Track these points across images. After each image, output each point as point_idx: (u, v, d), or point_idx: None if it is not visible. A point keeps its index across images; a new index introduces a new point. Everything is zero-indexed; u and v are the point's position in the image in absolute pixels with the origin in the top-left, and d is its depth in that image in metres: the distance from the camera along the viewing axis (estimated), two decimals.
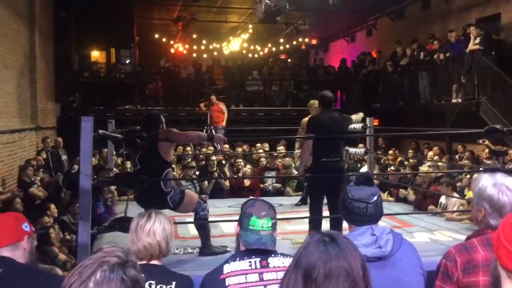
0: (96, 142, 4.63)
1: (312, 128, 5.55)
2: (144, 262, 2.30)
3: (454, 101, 11.36)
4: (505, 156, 8.96)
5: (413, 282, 2.11)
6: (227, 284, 2.13)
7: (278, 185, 9.12)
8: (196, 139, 5.70)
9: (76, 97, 14.41)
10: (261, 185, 9.09)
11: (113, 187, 7.39)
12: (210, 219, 5.46)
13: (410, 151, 11.42)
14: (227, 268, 2.18)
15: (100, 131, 4.50)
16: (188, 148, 11.10)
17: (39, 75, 11.53)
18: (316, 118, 5.79)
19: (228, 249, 4.74)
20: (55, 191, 9.22)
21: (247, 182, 8.96)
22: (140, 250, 2.31)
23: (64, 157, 10.98)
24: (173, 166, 9.12)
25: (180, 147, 10.58)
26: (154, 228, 2.34)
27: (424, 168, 8.90)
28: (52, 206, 7.02)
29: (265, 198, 2.73)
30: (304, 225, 5.99)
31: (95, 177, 4.71)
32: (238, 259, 2.20)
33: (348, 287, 1.27)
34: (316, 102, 7.36)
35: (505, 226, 1.39)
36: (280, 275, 2.17)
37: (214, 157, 9.22)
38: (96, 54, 18.77)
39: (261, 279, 2.15)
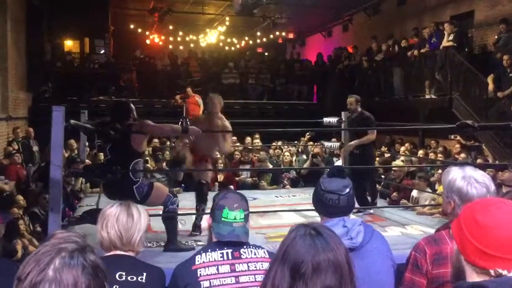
0: (68, 133, 4.54)
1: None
2: (111, 253, 2.26)
3: (427, 97, 11.52)
4: (479, 151, 9.13)
5: (383, 273, 2.14)
6: (198, 275, 2.12)
7: (252, 179, 9.10)
8: (171, 132, 5.59)
9: (48, 87, 14.13)
10: (236, 179, 9.08)
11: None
12: (184, 212, 5.43)
13: (383, 146, 11.53)
14: (199, 259, 2.16)
15: (72, 122, 4.41)
16: (167, 142, 11.04)
17: (10, 64, 11.28)
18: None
19: (201, 243, 4.71)
20: (25, 182, 9.06)
21: (221, 177, 8.91)
22: (103, 240, 2.25)
23: (35, 148, 10.78)
24: (148, 158, 9.05)
25: (157, 140, 10.50)
26: (117, 217, 2.26)
27: (398, 162, 9.01)
28: (21, 197, 6.90)
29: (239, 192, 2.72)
30: (278, 220, 6.02)
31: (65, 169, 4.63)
32: (210, 250, 2.19)
33: (335, 280, 1.27)
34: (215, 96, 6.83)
35: (467, 220, 1.37)
36: (252, 266, 2.17)
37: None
38: (69, 44, 18.43)
39: (233, 270, 2.15)
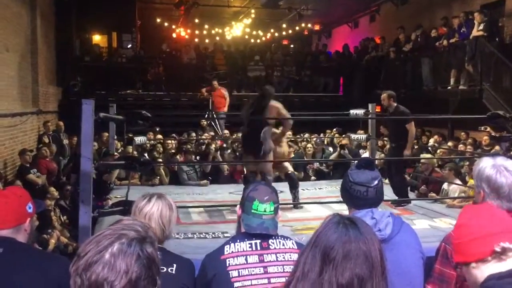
0: (97, 126, 4.61)
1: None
2: None
3: (451, 86, 11.32)
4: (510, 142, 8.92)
5: (412, 266, 2.12)
6: (227, 264, 2.14)
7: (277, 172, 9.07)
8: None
9: (77, 81, 14.37)
10: None
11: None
12: (212, 205, 5.47)
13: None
14: (227, 249, 2.19)
15: (101, 114, 4.48)
16: (193, 134, 11.18)
17: (40, 58, 11.50)
18: None
19: (228, 234, 4.73)
20: (56, 175, 9.26)
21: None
22: None
23: (65, 141, 10.99)
24: (173, 151, 9.17)
25: (185, 133, 10.68)
26: (151, 213, 2.27)
27: (426, 154, 8.90)
28: (52, 189, 7.04)
29: None
30: (305, 213, 6.01)
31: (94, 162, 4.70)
32: (238, 240, 2.21)
33: (366, 270, 1.27)
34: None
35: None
36: (281, 257, 2.18)
37: (213, 145, 9.25)
38: (97, 38, 18.66)
39: (261, 261, 2.16)
